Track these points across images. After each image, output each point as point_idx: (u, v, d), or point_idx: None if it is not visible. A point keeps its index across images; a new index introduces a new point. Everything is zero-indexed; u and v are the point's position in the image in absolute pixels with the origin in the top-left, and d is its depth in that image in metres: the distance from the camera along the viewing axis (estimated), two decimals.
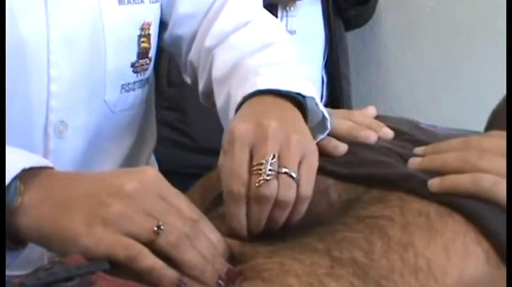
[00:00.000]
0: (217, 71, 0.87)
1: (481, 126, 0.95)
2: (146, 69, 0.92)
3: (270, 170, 0.64)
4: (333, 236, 0.65)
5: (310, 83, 0.80)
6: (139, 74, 0.91)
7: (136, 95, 0.93)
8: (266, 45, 0.87)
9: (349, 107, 1.79)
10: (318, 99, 0.78)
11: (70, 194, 0.61)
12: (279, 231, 0.68)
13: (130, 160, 0.96)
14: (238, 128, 0.67)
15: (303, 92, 0.76)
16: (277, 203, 0.65)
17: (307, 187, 0.67)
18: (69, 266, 0.55)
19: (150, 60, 0.93)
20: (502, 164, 0.68)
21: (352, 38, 1.92)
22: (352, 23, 1.89)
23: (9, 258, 0.63)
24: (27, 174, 0.62)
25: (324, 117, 0.78)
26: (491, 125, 0.93)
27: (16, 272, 0.69)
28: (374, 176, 0.73)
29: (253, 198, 0.65)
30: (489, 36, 1.84)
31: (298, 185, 0.66)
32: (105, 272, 0.56)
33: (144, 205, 0.60)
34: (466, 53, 1.93)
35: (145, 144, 1.01)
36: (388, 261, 0.62)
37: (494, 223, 0.65)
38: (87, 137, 0.87)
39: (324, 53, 1.77)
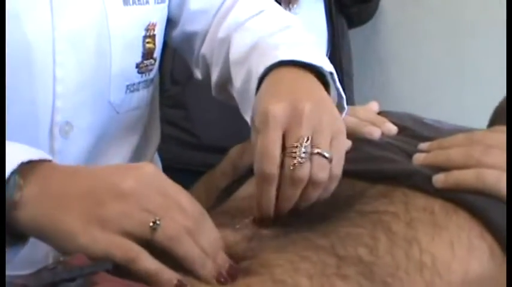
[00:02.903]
0: (235, 53, 0.86)
1: (484, 124, 0.95)
2: (151, 70, 0.92)
3: (304, 152, 0.65)
4: (336, 232, 0.65)
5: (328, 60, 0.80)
6: (144, 75, 0.91)
7: (141, 96, 0.93)
8: (283, 28, 0.87)
9: (351, 104, 1.79)
10: (335, 76, 0.78)
11: (68, 190, 0.61)
12: (284, 223, 0.68)
13: (135, 160, 0.96)
14: (273, 109, 0.67)
15: (325, 67, 0.77)
16: (311, 184, 0.66)
17: (338, 166, 0.68)
18: (72, 267, 0.55)
19: (155, 60, 0.92)
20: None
21: (354, 35, 1.92)
22: (355, 21, 1.88)
23: (9, 254, 0.63)
24: (26, 168, 0.62)
25: (339, 95, 0.79)
26: (493, 123, 0.93)
27: (20, 272, 0.69)
28: (378, 172, 0.73)
29: (287, 180, 0.66)
30: (493, 34, 1.83)
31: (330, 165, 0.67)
32: (108, 272, 0.56)
33: (142, 202, 0.60)
34: (470, 51, 1.93)
35: (149, 143, 1.01)
36: (393, 257, 0.62)
37: (498, 218, 0.65)
38: (92, 138, 0.87)
39: (327, 51, 1.77)
